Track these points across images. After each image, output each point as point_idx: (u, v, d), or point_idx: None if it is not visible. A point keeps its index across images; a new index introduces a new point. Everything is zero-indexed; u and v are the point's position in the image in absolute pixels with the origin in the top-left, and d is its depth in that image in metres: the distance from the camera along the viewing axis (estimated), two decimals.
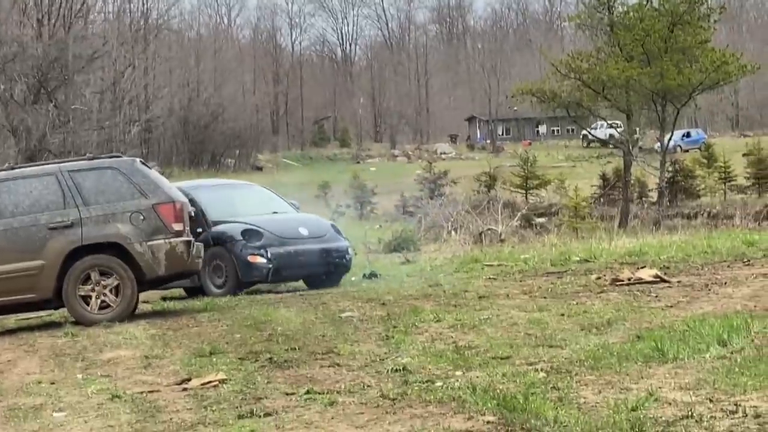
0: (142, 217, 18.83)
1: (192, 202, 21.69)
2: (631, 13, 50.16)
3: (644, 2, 50.17)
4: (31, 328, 19.24)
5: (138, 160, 20.33)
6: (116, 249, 18.75)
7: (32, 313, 20.75)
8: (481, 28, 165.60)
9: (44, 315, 20.70)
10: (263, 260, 21.60)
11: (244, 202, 24.62)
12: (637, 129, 57.71)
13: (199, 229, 21.61)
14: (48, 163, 21.76)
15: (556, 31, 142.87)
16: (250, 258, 21.54)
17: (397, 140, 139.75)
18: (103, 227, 18.78)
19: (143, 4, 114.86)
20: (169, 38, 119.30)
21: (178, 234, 19.02)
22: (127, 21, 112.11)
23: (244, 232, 21.96)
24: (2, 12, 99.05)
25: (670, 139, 55.68)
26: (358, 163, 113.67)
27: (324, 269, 22.92)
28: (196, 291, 23.22)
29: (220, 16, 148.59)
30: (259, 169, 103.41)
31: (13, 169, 20.55)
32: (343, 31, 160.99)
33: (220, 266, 22.31)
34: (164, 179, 20.41)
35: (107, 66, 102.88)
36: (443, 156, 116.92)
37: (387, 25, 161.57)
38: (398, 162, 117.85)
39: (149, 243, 18.79)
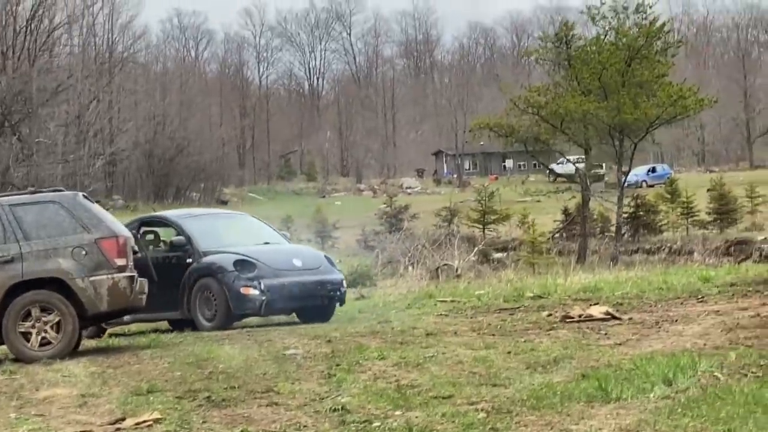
0: (84, 252, 18.53)
1: (180, 231, 22.21)
2: (589, 47, 50.17)
3: (602, 36, 50.21)
4: None
5: (81, 194, 19.99)
6: (58, 284, 18.45)
7: None
8: (449, 62, 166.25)
9: None
10: (256, 292, 20.82)
11: (235, 232, 23.77)
12: (603, 164, 57.89)
13: (189, 260, 21.58)
14: None
15: (524, 65, 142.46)
16: (242, 290, 20.76)
17: (364, 174, 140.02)
18: (44, 262, 18.48)
19: (109, 38, 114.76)
20: (135, 71, 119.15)
21: (121, 269, 18.73)
22: (92, 54, 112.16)
23: (237, 263, 21.11)
24: None
25: (627, 174, 55.71)
26: (324, 197, 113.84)
27: (318, 302, 22.17)
28: (184, 324, 22.72)
29: (187, 49, 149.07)
30: (224, 203, 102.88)
31: None
32: (311, 65, 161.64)
33: (210, 299, 21.66)
34: (107, 214, 20.02)
35: (72, 99, 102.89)
36: (408, 191, 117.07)
37: (354, 59, 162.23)
38: (364, 196, 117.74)
39: (91, 278, 18.48)
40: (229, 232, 23.60)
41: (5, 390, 15.89)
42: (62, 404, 14.59)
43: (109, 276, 18.56)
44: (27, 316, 18.35)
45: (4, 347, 19.04)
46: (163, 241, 23.63)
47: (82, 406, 14.43)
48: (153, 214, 24.18)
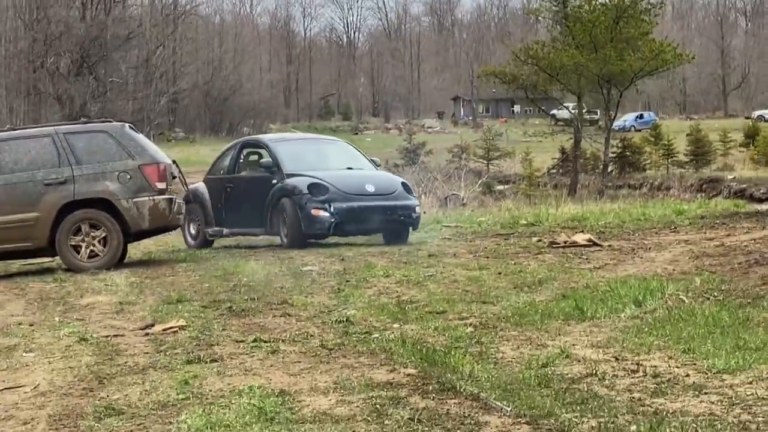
0: (128, 176, 18.37)
1: (270, 154, 21.28)
2: (582, 7, 49.78)
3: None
4: (28, 273, 18.53)
5: (127, 125, 19.68)
6: (105, 204, 18.32)
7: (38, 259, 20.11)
8: (467, 20, 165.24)
9: (44, 262, 19.88)
10: (326, 214, 19.60)
11: (324, 157, 22.27)
12: (598, 111, 57.54)
13: (274, 181, 20.57)
14: (45, 126, 21.13)
15: (532, 24, 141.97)
16: (313, 211, 19.55)
17: (391, 115, 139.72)
18: (93, 184, 18.30)
19: None
20: (196, 22, 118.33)
21: (161, 192, 18.62)
22: (159, 6, 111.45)
23: (311, 186, 19.89)
24: None
25: (614, 119, 55.45)
26: (356, 134, 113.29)
27: (389, 226, 20.77)
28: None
29: (242, 3, 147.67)
30: None
31: (13, 130, 20.01)
32: (349, 21, 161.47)
33: (286, 218, 20.46)
34: (150, 143, 19.81)
35: (141, 45, 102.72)
36: (429, 130, 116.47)
37: (386, 16, 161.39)
38: (391, 134, 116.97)
39: (134, 200, 18.36)
40: (317, 156, 22.16)
41: (54, 296, 15.67)
42: (101, 310, 14.28)
43: (150, 198, 18.40)
44: (77, 231, 18.22)
45: (58, 258, 18.80)
46: (259, 162, 22.26)
47: (119, 312, 14.09)
48: (252, 137, 23.35)
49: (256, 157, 22.36)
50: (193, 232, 23.01)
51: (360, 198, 19.87)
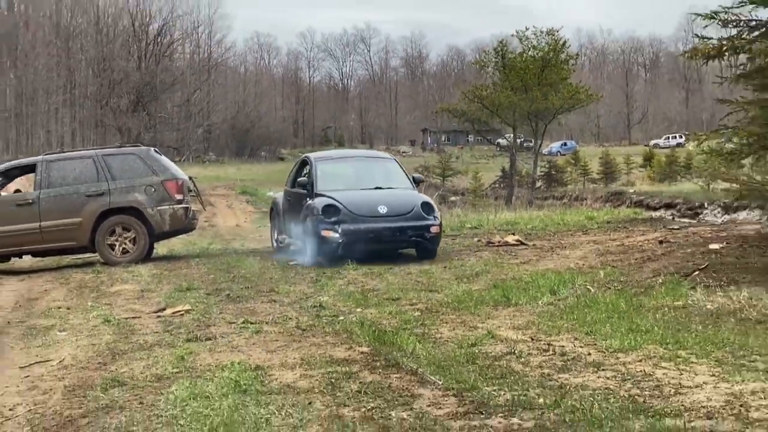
0: (153, 189, 17.91)
1: (311, 171, 17.86)
2: (516, 58, 49.45)
3: (525, 51, 49.46)
4: (74, 266, 17.91)
5: (153, 149, 19.08)
6: (134, 211, 17.83)
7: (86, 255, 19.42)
8: (433, 71, 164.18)
9: (87, 257, 19.22)
10: (335, 235, 16.00)
11: (359, 176, 18.12)
12: (533, 139, 57.21)
13: (307, 198, 17.19)
14: (87, 149, 20.57)
15: (480, 72, 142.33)
16: (323, 232, 16.07)
17: (375, 143, 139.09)
18: (125, 196, 17.82)
19: (208, 48, 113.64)
20: (225, 71, 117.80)
21: (179, 202, 18.19)
22: (197, 59, 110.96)
23: (325, 207, 16.32)
24: (115, 50, 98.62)
25: (540, 146, 55.43)
26: None
27: (399, 245, 16.97)
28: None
29: (262, 58, 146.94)
30: (282, 159, 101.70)
31: (62, 152, 19.55)
32: (343, 71, 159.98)
33: (303, 237, 17.20)
34: (171, 163, 19.18)
35: (183, 89, 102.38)
36: (404, 154, 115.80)
37: (372, 67, 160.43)
38: None
39: (158, 208, 17.94)
40: (352, 176, 18.25)
41: (90, 285, 15.11)
42: (126, 297, 13.72)
43: (170, 206, 17.99)
44: (112, 232, 17.76)
45: (96, 255, 18.18)
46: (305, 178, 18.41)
47: (139, 298, 13.54)
48: (307, 154, 19.96)
49: (306, 171, 18.69)
50: (276, 237, 20.03)
51: (370, 219, 16.29)
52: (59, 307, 12.97)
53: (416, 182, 18.08)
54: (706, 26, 14.51)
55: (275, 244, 19.78)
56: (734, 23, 14.24)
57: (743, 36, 14.25)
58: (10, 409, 7.69)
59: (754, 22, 14.25)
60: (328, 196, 16.45)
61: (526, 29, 50.07)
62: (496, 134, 71.08)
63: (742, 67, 14.91)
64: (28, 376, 8.92)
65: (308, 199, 16.78)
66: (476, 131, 60.39)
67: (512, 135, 56.05)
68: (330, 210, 15.99)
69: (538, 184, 52.16)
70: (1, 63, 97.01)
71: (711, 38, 14.70)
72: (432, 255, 16.29)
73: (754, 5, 13.95)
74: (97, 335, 10.76)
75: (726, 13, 14.12)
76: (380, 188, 17.20)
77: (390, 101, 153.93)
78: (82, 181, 17.68)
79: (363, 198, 16.58)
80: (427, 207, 16.44)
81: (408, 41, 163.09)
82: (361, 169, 18.47)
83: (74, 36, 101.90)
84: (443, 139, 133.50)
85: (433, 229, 16.20)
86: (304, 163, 18.69)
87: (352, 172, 18.27)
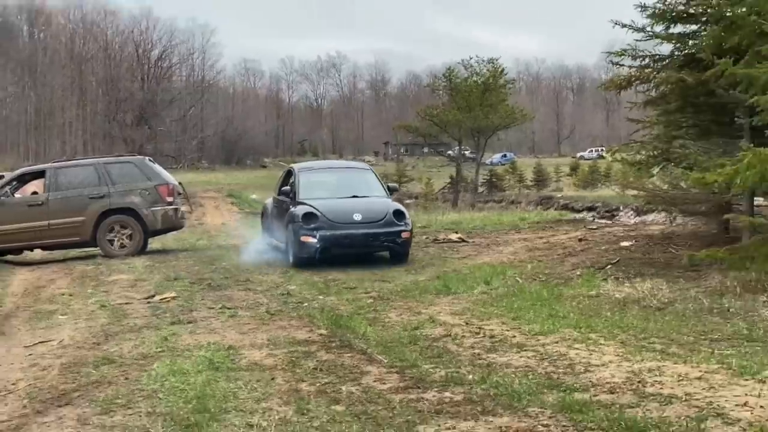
0: (147, 193, 17.63)
1: (294, 181, 16.85)
2: (462, 83, 49.33)
3: (469, 77, 49.41)
4: (77, 258, 17.65)
5: (147, 158, 18.80)
6: (131, 212, 17.54)
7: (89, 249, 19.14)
8: (394, 93, 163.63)
9: (89, 251, 18.93)
10: (313, 240, 14.96)
11: (337, 185, 16.99)
12: (476, 151, 57.02)
13: (290, 205, 16.08)
14: (89, 158, 20.30)
15: (434, 96, 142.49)
16: (302, 238, 15.01)
17: (344, 154, 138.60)
18: (123, 198, 17.52)
19: (202, 71, 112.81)
20: (217, 91, 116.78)
21: (170, 204, 17.88)
22: (192, 80, 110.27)
23: (305, 215, 15.29)
24: (121, 73, 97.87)
25: (482, 157, 55.23)
26: None
27: (372, 249, 15.80)
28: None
29: (248, 80, 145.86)
30: (264, 167, 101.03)
31: (67, 161, 19.26)
32: (317, 92, 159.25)
33: (287, 241, 16.00)
34: (162, 170, 18.82)
35: (180, 106, 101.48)
36: (369, 162, 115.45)
37: (342, 89, 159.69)
38: None
39: (151, 209, 17.65)
40: (332, 185, 17.08)
41: (90, 275, 14.87)
42: (121, 285, 13.51)
43: (162, 208, 17.70)
44: (112, 229, 17.50)
45: (97, 249, 17.87)
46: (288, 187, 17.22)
47: (133, 286, 13.34)
48: (293, 164, 18.35)
49: (291, 181, 17.37)
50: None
51: (345, 226, 15.24)
52: (62, 294, 12.79)
53: (391, 191, 17.31)
54: (620, 59, 14.52)
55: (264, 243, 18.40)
56: (641, 57, 14.30)
57: (649, 68, 14.31)
58: (12, 384, 7.55)
59: (657, 56, 14.33)
60: (309, 204, 15.66)
61: (470, 58, 50.09)
62: (446, 147, 71.00)
63: (648, 93, 14.97)
64: (31, 354, 8.76)
65: (291, 206, 15.97)
66: (429, 144, 60.33)
67: (458, 148, 56.04)
68: (309, 217, 15.25)
69: (480, 189, 51.93)
70: (23, 83, 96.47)
71: (623, 66, 14.73)
72: (403, 258, 15.43)
73: (658, 40, 14.01)
74: (94, 319, 10.60)
75: (634, 50, 14.17)
76: (357, 197, 16.35)
77: (357, 118, 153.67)
78: (85, 185, 17.39)
79: (340, 206, 15.74)
80: (398, 214, 15.62)
81: (373, 67, 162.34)
82: (340, 178, 17.56)
83: (86, 60, 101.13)
84: (402, 150, 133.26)
85: (404, 235, 15.40)
86: (290, 173, 17.77)
87: (332, 181, 17.39)
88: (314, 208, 15.50)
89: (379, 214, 15.57)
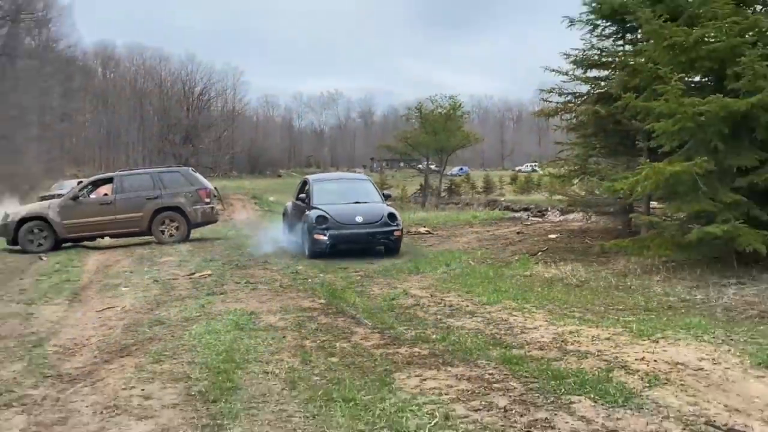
0: (190, 195, 17.27)
1: (308, 189, 16.20)
2: (428, 114, 49.21)
3: (434, 109, 49.39)
4: (138, 245, 17.42)
5: (191, 168, 18.54)
6: (178, 209, 17.19)
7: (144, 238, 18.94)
8: (379, 121, 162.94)
9: (146, 239, 18.74)
10: (325, 238, 14.42)
11: (343, 193, 16.36)
12: (442, 165, 56.90)
13: (306, 210, 15.46)
14: (146, 168, 19.97)
15: (409, 123, 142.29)
16: (316, 236, 14.48)
17: (339, 167, 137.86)
18: (172, 199, 17.15)
19: (233, 103, 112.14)
20: (243, 118, 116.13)
21: (207, 203, 17.50)
22: (225, 110, 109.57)
23: (318, 218, 14.74)
24: (172, 104, 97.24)
25: (444, 169, 55.27)
26: None
27: (371, 245, 14.87)
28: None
29: (268, 110, 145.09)
30: (280, 176, 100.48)
31: (130, 170, 18.95)
32: (320, 120, 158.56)
33: (303, 238, 15.35)
34: (203, 178, 18.45)
35: (216, 129, 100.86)
36: (359, 173, 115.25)
37: (339, 118, 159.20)
38: None
39: (194, 207, 17.27)
40: (338, 193, 16.40)
41: (147, 256, 14.61)
42: (169, 264, 13.32)
43: (202, 206, 17.33)
44: (163, 222, 17.11)
45: (152, 237, 17.59)
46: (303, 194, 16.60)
47: (178, 265, 13.13)
48: (308, 175, 17.45)
49: (306, 189, 16.65)
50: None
51: (350, 226, 14.73)
52: (125, 271, 12.62)
53: (386, 197, 16.86)
54: (549, 95, 14.52)
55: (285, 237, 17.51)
56: (566, 94, 14.30)
57: (571, 102, 14.30)
58: (86, 339, 7.46)
59: (577, 93, 14.33)
60: (321, 209, 15.17)
61: (436, 95, 50.50)
62: (417, 162, 71.22)
63: (569, 122, 14.94)
64: (100, 317, 8.66)
65: (307, 210, 15.47)
66: (403, 160, 60.29)
67: (426, 163, 55.91)
68: (321, 219, 14.78)
69: (443, 194, 51.78)
70: (97, 111, 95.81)
71: (551, 102, 14.71)
72: (395, 252, 14.90)
73: (578, 82, 14.00)
74: (149, 290, 10.48)
75: (560, 88, 14.20)
76: (359, 202, 15.89)
77: (350, 140, 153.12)
78: (143, 189, 17.11)
79: (345, 210, 15.26)
80: (391, 216, 15.18)
81: (363, 101, 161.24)
82: (345, 187, 16.98)
83: (145, 94, 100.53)
84: (384, 164, 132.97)
85: (396, 233, 14.96)
86: (305, 182, 17.17)
87: (339, 189, 16.76)
88: (325, 212, 15.13)
89: (376, 216, 15.24)
